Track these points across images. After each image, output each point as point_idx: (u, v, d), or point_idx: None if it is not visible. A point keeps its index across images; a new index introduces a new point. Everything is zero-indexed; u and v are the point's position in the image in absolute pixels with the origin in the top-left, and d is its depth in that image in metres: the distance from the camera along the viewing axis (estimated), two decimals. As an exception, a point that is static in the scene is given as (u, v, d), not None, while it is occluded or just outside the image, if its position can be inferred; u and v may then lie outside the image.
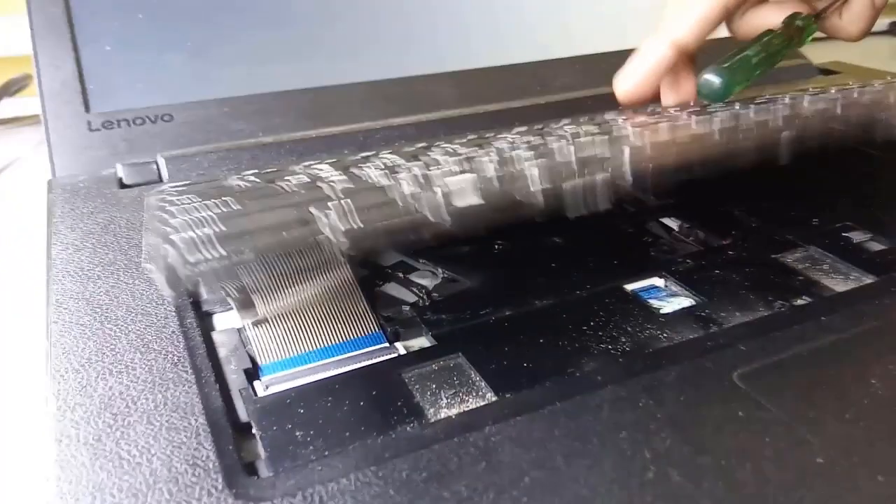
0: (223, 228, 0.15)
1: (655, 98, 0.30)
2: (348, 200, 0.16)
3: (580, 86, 0.40)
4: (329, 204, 0.16)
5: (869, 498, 0.15)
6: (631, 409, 0.17)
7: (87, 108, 0.33)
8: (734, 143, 0.22)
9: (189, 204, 0.18)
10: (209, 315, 0.22)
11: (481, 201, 0.17)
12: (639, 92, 0.29)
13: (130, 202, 0.27)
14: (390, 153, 0.27)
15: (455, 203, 0.17)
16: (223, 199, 0.18)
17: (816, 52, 0.48)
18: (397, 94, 0.36)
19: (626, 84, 0.29)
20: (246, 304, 0.20)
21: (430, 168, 0.20)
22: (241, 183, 0.23)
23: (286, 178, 0.22)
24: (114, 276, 0.22)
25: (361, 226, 0.15)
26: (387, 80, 0.37)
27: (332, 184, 0.19)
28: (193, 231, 0.15)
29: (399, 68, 0.38)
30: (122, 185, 0.29)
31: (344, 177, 0.20)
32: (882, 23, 0.83)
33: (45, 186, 0.29)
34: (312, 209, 0.16)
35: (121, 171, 0.30)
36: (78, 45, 0.35)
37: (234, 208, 0.17)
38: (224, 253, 0.14)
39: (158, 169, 0.30)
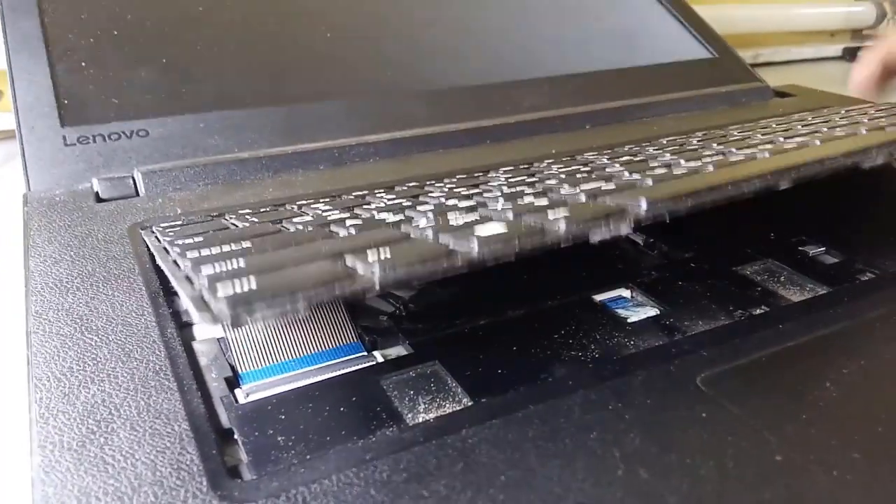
0: (274, 288, 0.15)
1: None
2: (385, 249, 0.16)
3: (548, 106, 0.41)
4: (368, 253, 0.16)
5: (824, 491, 0.16)
6: (601, 412, 0.18)
7: (62, 123, 0.33)
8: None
9: (208, 250, 0.19)
10: (189, 325, 0.22)
11: (505, 230, 0.18)
12: (868, 80, 0.40)
13: (108, 215, 0.27)
14: (386, 192, 0.28)
15: (479, 233, 0.17)
16: (241, 244, 0.19)
17: (770, 76, 0.50)
18: (371, 111, 0.37)
19: (859, 75, 0.40)
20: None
21: (442, 212, 0.21)
22: (240, 224, 0.24)
23: (293, 219, 0.23)
24: (93, 288, 0.22)
25: (403, 275, 0.16)
26: (361, 99, 0.38)
27: (346, 227, 0.20)
28: (236, 285, 0.15)
29: (373, 86, 0.39)
30: (99, 199, 0.29)
31: (356, 220, 0.21)
32: (836, 48, 0.86)
33: (21, 200, 0.29)
34: (357, 266, 0.16)
35: (97, 186, 0.30)
36: (53, 60, 0.35)
37: (268, 260, 0.17)
38: (278, 310, 0.14)
39: (135, 183, 0.30)
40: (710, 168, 0.25)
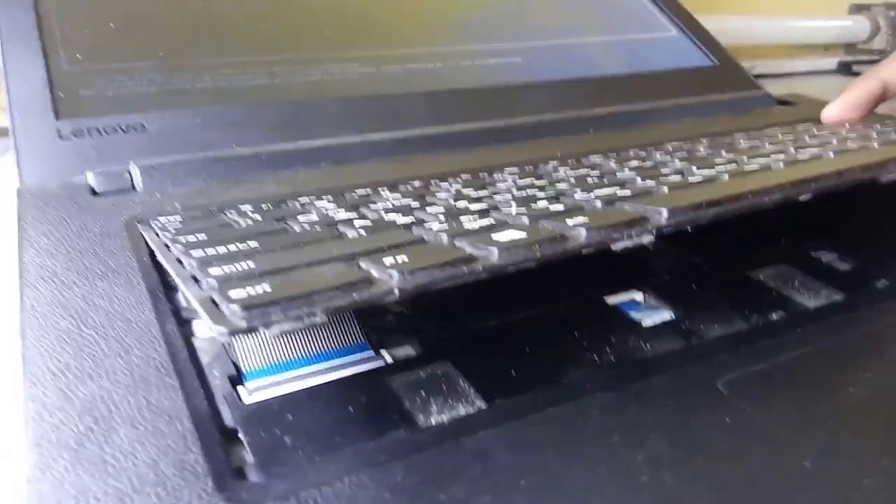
0: (290, 293, 0.15)
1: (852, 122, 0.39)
2: (401, 253, 0.16)
3: (551, 109, 0.40)
4: (385, 260, 0.16)
5: (857, 499, 0.15)
6: (621, 415, 0.17)
7: (56, 117, 0.32)
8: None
9: (214, 249, 0.18)
10: (189, 322, 0.21)
11: (525, 235, 0.17)
12: (844, 115, 0.39)
13: (104, 209, 0.26)
14: (390, 191, 0.27)
15: (498, 239, 0.17)
16: (247, 244, 0.18)
17: (767, 88, 0.50)
18: (373, 110, 0.36)
19: (834, 109, 0.39)
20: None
21: (454, 215, 0.20)
22: (242, 220, 0.23)
23: (297, 216, 0.22)
24: (90, 283, 0.22)
25: (423, 281, 0.15)
26: (363, 97, 0.37)
27: (355, 228, 0.19)
28: (248, 289, 0.14)
29: (376, 85, 0.38)
30: (95, 193, 0.28)
31: (365, 221, 0.20)
32: (831, 62, 0.87)
33: (15, 193, 0.28)
34: (373, 271, 0.16)
35: (92, 180, 0.29)
36: (48, 53, 0.34)
37: (279, 262, 0.17)
38: (296, 315, 0.14)
39: (131, 177, 0.29)
40: (726, 177, 0.25)
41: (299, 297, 0.14)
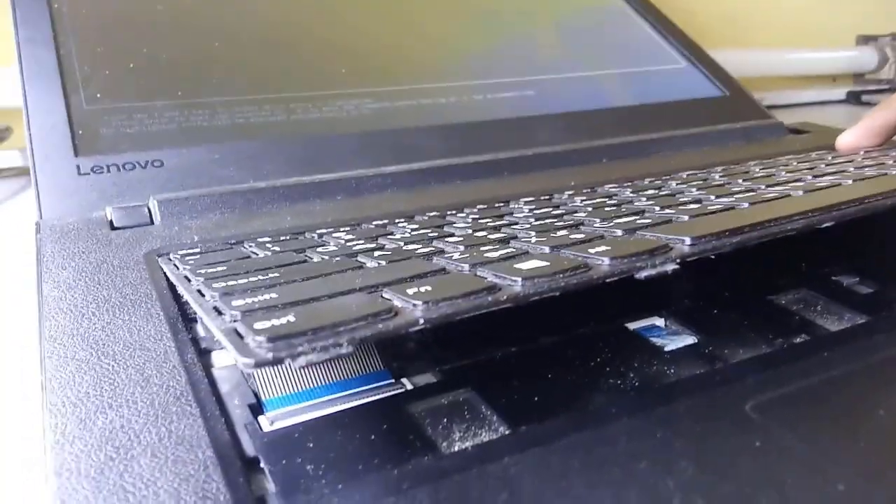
0: (315, 324, 0.14)
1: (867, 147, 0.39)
2: (424, 283, 0.16)
3: (565, 140, 0.41)
4: (408, 291, 0.16)
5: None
6: (648, 441, 0.17)
7: (76, 153, 0.32)
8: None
9: (235, 280, 0.18)
10: (209, 352, 0.21)
11: (547, 264, 0.17)
12: (860, 143, 0.39)
13: (123, 243, 0.26)
14: (407, 222, 0.27)
15: (521, 268, 0.17)
16: (268, 275, 0.18)
17: (779, 117, 0.50)
18: (387, 143, 0.37)
19: (850, 136, 0.39)
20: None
21: (474, 245, 0.20)
22: (261, 252, 0.23)
23: (316, 247, 0.22)
24: (109, 313, 0.22)
25: (448, 311, 0.15)
26: (377, 131, 0.37)
27: (375, 259, 0.19)
28: (273, 321, 0.14)
29: (390, 119, 0.38)
30: (114, 227, 0.28)
31: (385, 252, 0.20)
32: (840, 92, 0.87)
33: (33, 228, 0.28)
34: (396, 301, 0.16)
35: (111, 214, 0.29)
36: (68, 90, 0.35)
37: (302, 293, 0.17)
38: (322, 346, 0.13)
39: (150, 212, 0.30)
40: (745, 205, 0.25)
41: (325, 328, 0.14)
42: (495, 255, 0.20)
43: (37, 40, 0.36)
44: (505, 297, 0.16)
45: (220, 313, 0.17)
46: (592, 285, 0.17)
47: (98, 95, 0.35)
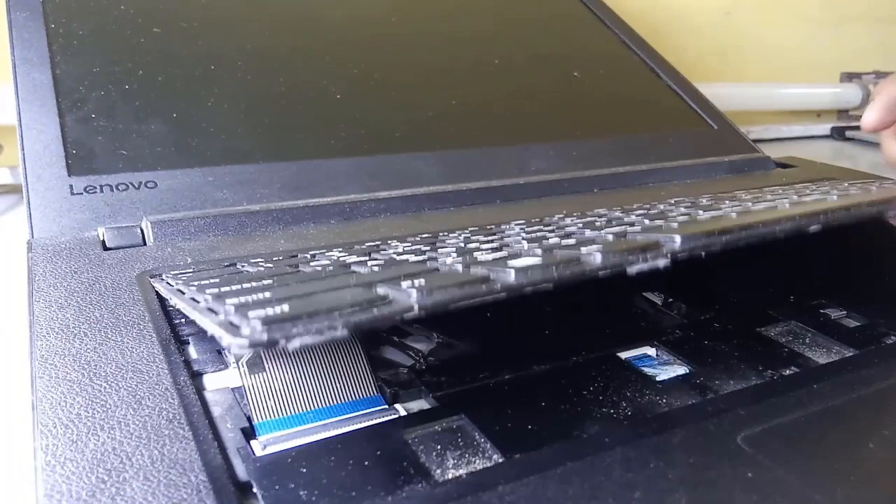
0: (310, 310, 0.14)
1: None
2: (421, 280, 0.16)
3: (556, 169, 0.41)
4: (402, 283, 0.16)
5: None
6: (642, 470, 0.17)
7: (69, 173, 0.32)
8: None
9: (229, 287, 0.18)
10: (200, 374, 0.21)
11: (540, 261, 0.17)
12: (883, 118, 0.40)
13: (116, 263, 0.26)
14: (400, 242, 0.27)
15: (513, 264, 0.17)
16: (262, 283, 0.18)
17: (764, 150, 0.51)
18: (381, 169, 0.37)
19: (871, 114, 0.41)
20: (255, 362, 0.20)
21: (467, 252, 0.20)
22: (254, 270, 0.23)
23: (309, 260, 0.22)
24: (101, 334, 0.21)
25: (442, 299, 0.15)
26: (371, 157, 0.38)
27: (369, 266, 0.19)
28: (268, 310, 0.14)
29: (383, 145, 0.39)
30: (106, 248, 0.28)
31: (378, 261, 0.20)
32: (824, 128, 0.89)
33: (24, 247, 0.28)
34: (391, 293, 0.15)
35: (103, 234, 0.29)
36: (62, 110, 0.35)
37: (296, 290, 0.17)
38: (317, 328, 0.13)
39: (143, 233, 0.29)
40: (734, 215, 0.25)
41: (319, 312, 0.14)
42: (489, 257, 0.20)
43: (33, 60, 0.36)
44: (499, 286, 0.16)
45: (215, 313, 0.17)
46: (585, 279, 0.17)
47: (93, 115, 0.35)
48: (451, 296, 0.14)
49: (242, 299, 0.16)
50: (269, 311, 0.14)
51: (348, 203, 0.34)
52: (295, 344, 0.13)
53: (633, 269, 0.16)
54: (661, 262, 0.17)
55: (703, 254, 0.17)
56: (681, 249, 0.17)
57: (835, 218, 0.20)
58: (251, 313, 0.13)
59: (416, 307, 0.14)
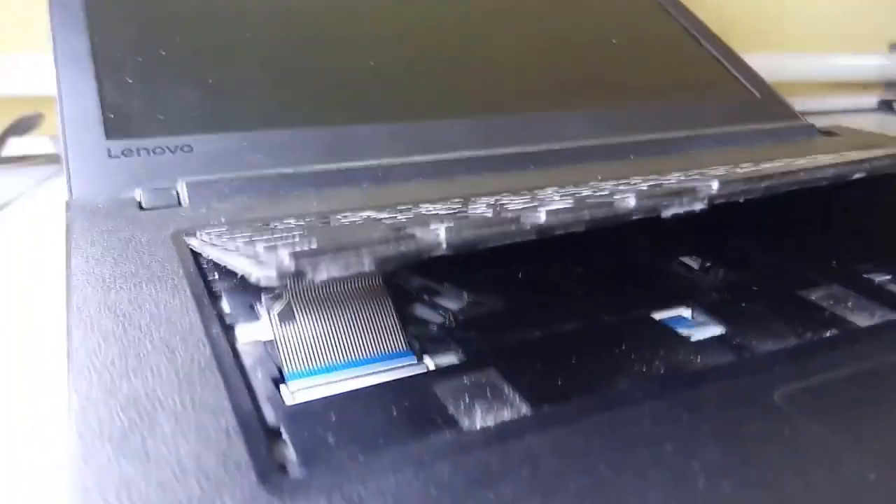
0: (334, 239, 0.14)
1: None
2: (450, 224, 0.16)
3: (593, 135, 0.40)
4: (430, 225, 0.15)
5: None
6: (673, 424, 0.17)
7: (107, 136, 0.33)
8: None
9: (260, 235, 0.18)
10: (232, 327, 0.21)
11: (572, 204, 0.17)
12: None
13: (151, 222, 0.27)
14: (432, 203, 0.27)
15: (545, 208, 0.16)
16: (292, 233, 0.18)
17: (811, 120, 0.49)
18: (415, 134, 0.37)
19: None
20: (286, 311, 0.20)
21: (498, 204, 0.20)
22: (285, 225, 0.23)
23: (339, 218, 0.22)
24: (136, 287, 0.22)
25: (470, 237, 0.15)
26: (406, 122, 0.37)
27: (398, 220, 0.19)
28: (295, 247, 0.14)
29: (418, 110, 0.38)
30: (142, 208, 0.29)
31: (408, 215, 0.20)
32: (870, 100, 0.86)
33: (63, 207, 0.28)
34: (418, 233, 0.15)
35: (140, 195, 0.29)
36: (100, 75, 0.35)
37: (324, 234, 0.17)
38: (344, 262, 0.13)
39: (178, 194, 0.30)
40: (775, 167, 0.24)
41: (347, 247, 0.14)
42: (520, 206, 0.19)
43: (70, 25, 0.37)
44: (529, 226, 0.16)
45: (244, 255, 0.17)
46: (618, 221, 0.16)
47: (130, 81, 0.36)
48: (480, 234, 0.14)
49: (272, 242, 0.16)
50: (297, 247, 0.14)
51: (381, 167, 0.34)
52: (322, 276, 0.13)
53: (667, 213, 0.16)
54: (698, 206, 0.16)
55: (742, 199, 0.17)
56: (718, 194, 0.16)
57: (879, 166, 0.19)
58: (280, 249, 0.13)
59: (444, 244, 0.14)
